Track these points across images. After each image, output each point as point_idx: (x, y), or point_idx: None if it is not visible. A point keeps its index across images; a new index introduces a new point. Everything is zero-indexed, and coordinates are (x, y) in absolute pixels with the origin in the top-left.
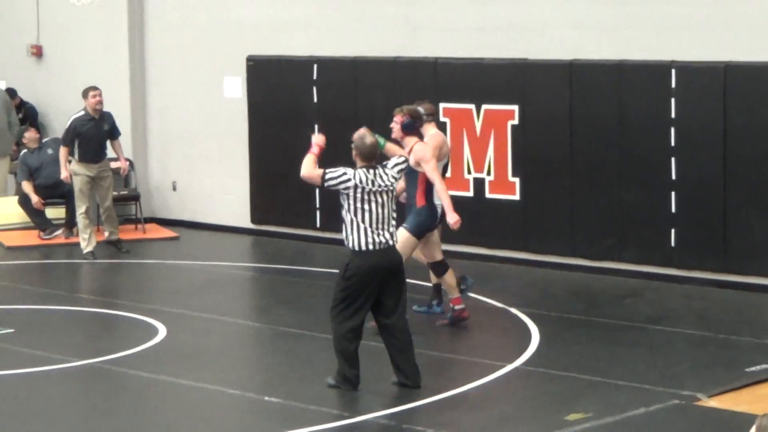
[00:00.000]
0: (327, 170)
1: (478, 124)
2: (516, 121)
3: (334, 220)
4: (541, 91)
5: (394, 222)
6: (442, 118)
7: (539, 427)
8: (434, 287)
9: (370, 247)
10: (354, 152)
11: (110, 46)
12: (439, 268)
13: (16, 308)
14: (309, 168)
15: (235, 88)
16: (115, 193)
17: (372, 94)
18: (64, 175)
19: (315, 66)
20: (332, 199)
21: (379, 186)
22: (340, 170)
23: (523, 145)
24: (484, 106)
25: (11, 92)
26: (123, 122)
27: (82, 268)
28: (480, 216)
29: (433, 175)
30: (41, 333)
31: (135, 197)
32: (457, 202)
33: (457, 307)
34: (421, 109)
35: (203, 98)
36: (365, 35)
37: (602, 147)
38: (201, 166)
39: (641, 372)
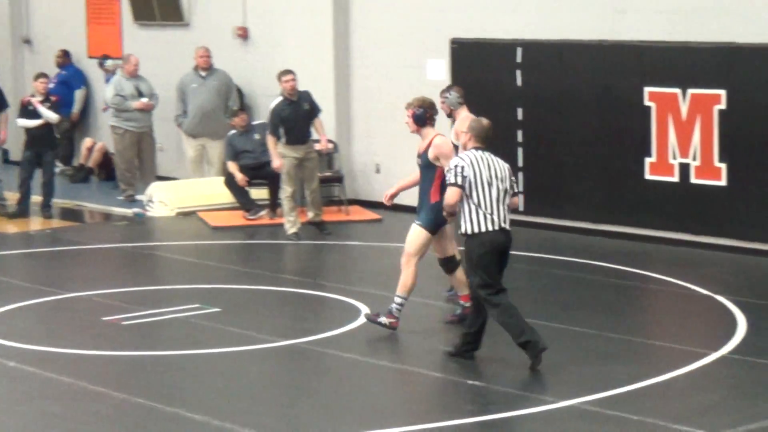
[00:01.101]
0: (446, 178)
1: (684, 109)
2: (723, 106)
3: (537, 203)
4: (749, 76)
5: (508, 213)
6: (647, 102)
7: (745, 417)
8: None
9: (483, 228)
10: (467, 136)
11: (315, 28)
12: (450, 264)
13: (222, 287)
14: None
15: (439, 70)
16: (319, 174)
17: (576, 77)
18: (276, 164)
19: (519, 49)
20: (537, 180)
21: (496, 171)
22: (452, 164)
23: (730, 130)
24: (690, 90)
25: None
26: (327, 104)
27: (286, 249)
28: (685, 201)
29: None
30: (247, 312)
31: (338, 179)
32: (662, 188)
33: (467, 304)
34: (454, 94)
35: (406, 80)
36: (570, 18)
37: None
38: (404, 148)
39: None
